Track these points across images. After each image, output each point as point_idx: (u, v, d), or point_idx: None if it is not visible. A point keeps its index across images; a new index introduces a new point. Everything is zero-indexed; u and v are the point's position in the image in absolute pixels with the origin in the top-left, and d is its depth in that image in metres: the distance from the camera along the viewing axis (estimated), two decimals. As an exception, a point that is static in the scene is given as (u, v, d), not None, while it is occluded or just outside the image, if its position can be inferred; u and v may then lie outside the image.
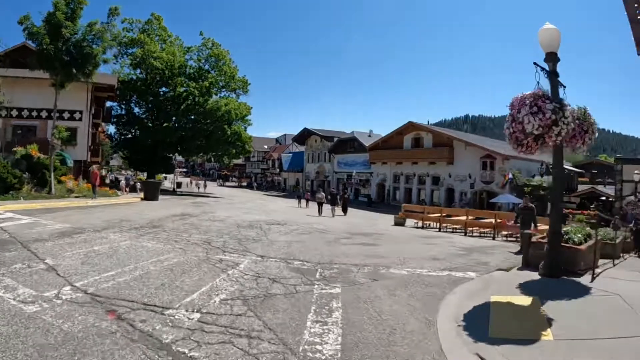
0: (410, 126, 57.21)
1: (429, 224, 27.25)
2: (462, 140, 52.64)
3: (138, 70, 52.88)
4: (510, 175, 45.26)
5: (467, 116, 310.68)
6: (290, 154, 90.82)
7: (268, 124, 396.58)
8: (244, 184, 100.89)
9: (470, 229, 24.09)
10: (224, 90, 56.28)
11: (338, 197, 37.20)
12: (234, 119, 52.93)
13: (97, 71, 27.90)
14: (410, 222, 27.84)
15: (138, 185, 43.90)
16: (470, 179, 49.85)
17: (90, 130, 39.89)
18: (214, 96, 54.89)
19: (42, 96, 31.22)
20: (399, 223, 26.93)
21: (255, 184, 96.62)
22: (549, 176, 44.50)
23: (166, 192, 50.12)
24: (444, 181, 53.06)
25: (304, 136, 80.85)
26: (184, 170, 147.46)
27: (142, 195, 33.72)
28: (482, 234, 23.53)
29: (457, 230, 24.96)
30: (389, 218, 31.97)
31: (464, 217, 25.46)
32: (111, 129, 59.37)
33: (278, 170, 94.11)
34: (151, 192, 32.92)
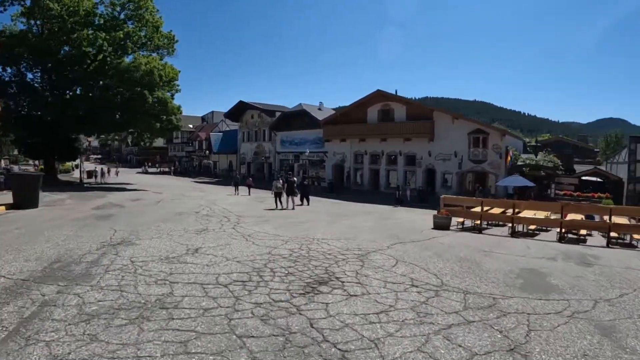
0: (377, 95, 44.41)
1: (480, 224, 17.89)
2: (448, 112, 40.53)
3: (33, 25, 37.84)
4: (512, 153, 37.30)
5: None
6: (221, 134, 74.70)
7: (192, 101, 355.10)
8: (166, 169, 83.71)
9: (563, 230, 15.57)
10: (143, 50, 41.11)
11: (295, 184, 27.24)
12: (158, 84, 38.38)
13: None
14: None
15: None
16: (457, 158, 38.78)
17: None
18: (130, 56, 40.25)
19: None
20: (443, 225, 16.86)
21: (172, 169, 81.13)
22: (535, 154, 39.33)
23: (70, 185, 37.56)
24: (422, 161, 41.33)
25: (239, 111, 65.29)
26: (99, 156, 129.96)
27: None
28: (581, 237, 16.06)
29: (535, 233, 17.55)
30: (384, 210, 26.04)
31: (551, 215, 18.99)
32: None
33: (207, 152, 77.34)
34: (25, 194, 18.91)
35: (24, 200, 18.61)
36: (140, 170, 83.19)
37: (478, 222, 17.75)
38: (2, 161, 75.81)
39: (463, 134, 38.26)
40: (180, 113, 41.47)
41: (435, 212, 17.75)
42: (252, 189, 36.24)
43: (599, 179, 38.44)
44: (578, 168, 42.06)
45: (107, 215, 16.65)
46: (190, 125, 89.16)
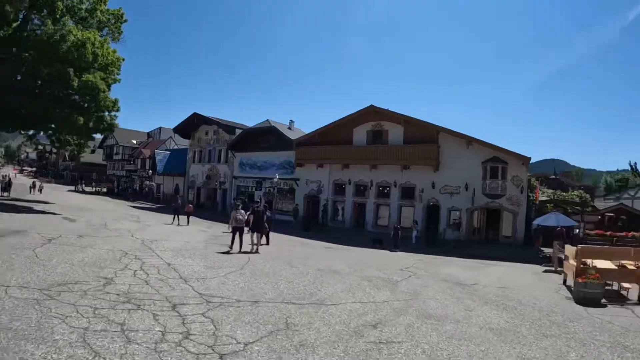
0: (370, 112, 34.28)
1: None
2: (459, 134, 30.86)
3: None
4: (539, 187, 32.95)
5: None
6: (168, 152, 61.81)
7: (138, 114, 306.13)
8: (104, 189, 67.17)
9: None
10: (83, 25, 28.73)
11: (265, 217, 18.86)
12: (90, 63, 26.57)
13: None
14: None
15: None
16: (468, 192, 29.74)
17: None
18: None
19: None
20: (593, 298, 10.90)
21: (99, 189, 66.97)
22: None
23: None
24: (423, 194, 31.59)
25: (192, 126, 52.05)
26: (33, 169, 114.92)
27: None
28: None
29: None
30: (417, 261, 17.98)
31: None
32: None
33: (150, 172, 63.30)
34: None
35: None
36: (72, 188, 68.99)
37: (628, 285, 12.05)
38: None
39: (476, 163, 29.66)
40: (117, 109, 29.32)
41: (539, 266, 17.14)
42: (190, 217, 28.13)
43: (622, 216, 31.68)
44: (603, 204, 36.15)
45: None
46: (134, 141, 75.60)
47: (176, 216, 27.39)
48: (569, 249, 13.99)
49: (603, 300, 11.02)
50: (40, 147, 78.65)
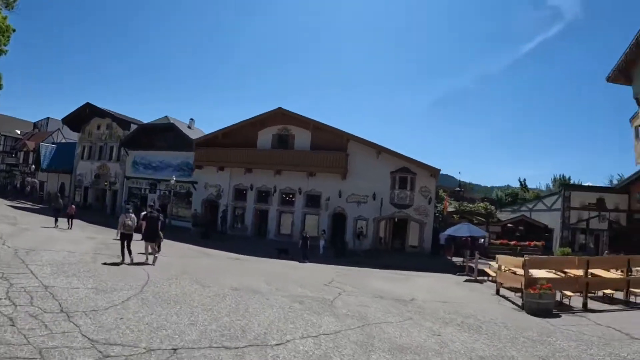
0: (278, 114, 32.43)
1: (586, 296, 12.16)
2: (369, 143, 30.24)
3: None
4: (447, 200, 33.74)
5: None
6: (54, 146, 54.78)
7: (24, 101, 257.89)
8: None
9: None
10: None
11: (160, 222, 15.70)
12: None
13: None
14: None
15: None
16: (376, 201, 29.46)
17: None
18: None
19: None
20: (545, 308, 10.89)
21: None
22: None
23: None
24: (329, 203, 30.56)
25: (83, 118, 46.19)
26: None
27: None
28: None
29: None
30: (332, 272, 17.06)
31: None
32: None
33: (34, 167, 55.03)
34: None
35: None
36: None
37: (570, 294, 12.29)
38: None
39: (385, 172, 29.67)
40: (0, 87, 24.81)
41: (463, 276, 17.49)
42: (73, 219, 24.88)
43: (520, 227, 33.54)
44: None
45: None
46: (18, 131, 67.54)
47: (57, 218, 24.53)
48: (507, 260, 14.40)
49: (554, 310, 11.01)
50: None
